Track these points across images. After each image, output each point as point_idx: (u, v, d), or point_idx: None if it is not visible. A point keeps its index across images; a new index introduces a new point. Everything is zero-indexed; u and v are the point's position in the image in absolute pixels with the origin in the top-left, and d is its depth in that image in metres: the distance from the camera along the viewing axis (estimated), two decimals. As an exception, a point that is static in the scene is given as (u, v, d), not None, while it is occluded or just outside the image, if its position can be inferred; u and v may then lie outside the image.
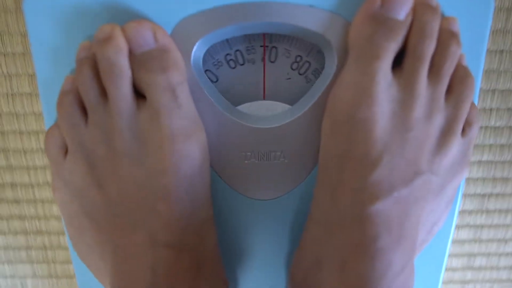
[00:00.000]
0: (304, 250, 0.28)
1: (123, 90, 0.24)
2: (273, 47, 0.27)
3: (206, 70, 0.27)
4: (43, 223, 0.38)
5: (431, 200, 0.27)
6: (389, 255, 0.25)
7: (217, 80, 0.28)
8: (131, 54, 0.24)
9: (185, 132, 0.24)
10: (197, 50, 0.26)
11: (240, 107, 0.28)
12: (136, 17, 0.25)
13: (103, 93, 0.25)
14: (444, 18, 0.25)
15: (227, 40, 0.27)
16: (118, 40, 0.23)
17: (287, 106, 0.28)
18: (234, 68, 0.28)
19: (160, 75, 0.24)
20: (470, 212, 0.40)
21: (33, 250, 0.40)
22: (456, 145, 0.26)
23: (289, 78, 0.28)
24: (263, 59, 0.28)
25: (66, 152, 0.26)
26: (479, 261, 0.41)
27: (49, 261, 0.40)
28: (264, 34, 0.27)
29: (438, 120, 0.26)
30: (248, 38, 0.27)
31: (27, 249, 0.40)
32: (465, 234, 0.40)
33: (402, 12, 0.24)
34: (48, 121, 0.28)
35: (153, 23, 0.24)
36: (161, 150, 0.24)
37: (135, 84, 0.25)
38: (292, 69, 0.28)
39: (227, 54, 0.27)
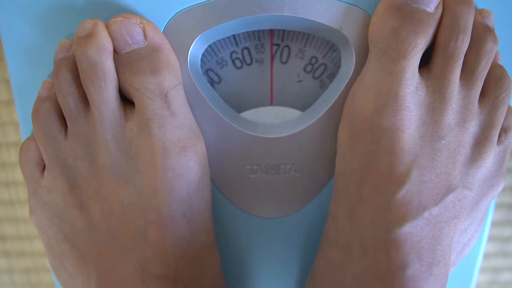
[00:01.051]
0: (318, 277, 0.25)
1: (107, 96, 0.21)
2: (286, 46, 0.25)
3: (207, 70, 0.25)
4: (26, 243, 0.36)
5: (464, 218, 0.24)
6: (420, 285, 0.22)
7: (220, 81, 0.25)
8: (117, 53, 0.21)
9: (180, 144, 0.21)
10: (195, 48, 0.23)
11: (244, 114, 0.25)
12: (124, 11, 0.22)
13: (85, 99, 0.22)
14: (477, 11, 0.23)
15: (233, 35, 0.24)
16: (101, 37, 0.21)
17: (298, 112, 0.25)
18: (240, 68, 0.25)
19: (150, 78, 0.21)
20: (497, 223, 0.37)
21: (16, 273, 0.37)
22: (492, 154, 0.24)
23: (300, 81, 0.25)
24: (271, 59, 0.25)
25: (43, 168, 0.23)
26: (505, 276, 0.39)
27: (34, 284, 0.38)
28: (272, 31, 0.24)
29: (472, 127, 0.23)
30: (258, 34, 0.24)
31: (10, 273, 0.37)
32: (491, 247, 0.38)
33: (432, 2, 0.21)
34: (24, 132, 0.25)
35: (143, 17, 0.22)
36: (152, 166, 0.21)
37: (122, 88, 0.22)
38: (305, 71, 0.25)
39: (233, 52, 0.25)
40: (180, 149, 0.21)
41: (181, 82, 0.22)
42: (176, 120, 0.21)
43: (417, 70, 0.22)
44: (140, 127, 0.21)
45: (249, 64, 0.25)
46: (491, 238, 0.38)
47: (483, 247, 0.29)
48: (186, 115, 0.22)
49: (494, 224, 0.37)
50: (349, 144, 0.23)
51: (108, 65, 0.21)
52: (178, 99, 0.22)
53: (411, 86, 0.21)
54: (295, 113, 0.25)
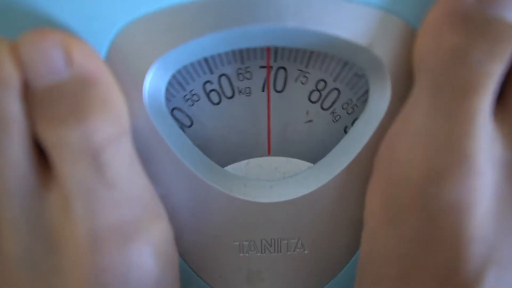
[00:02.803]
0: None
1: (12, 155, 0.15)
2: (280, 67, 0.19)
3: (173, 109, 0.19)
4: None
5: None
6: None
7: (191, 125, 0.20)
8: (28, 90, 0.15)
9: (124, 230, 0.15)
10: (155, 77, 0.17)
11: (230, 168, 0.20)
12: (43, 23, 0.16)
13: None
14: None
15: (205, 59, 0.19)
16: (3, 65, 0.14)
17: (306, 165, 0.20)
18: (218, 104, 0.19)
19: (72, 128, 0.14)
20: None
21: None
22: None
23: (310, 121, 0.20)
24: (267, 88, 0.19)
25: None
26: None
27: None
28: (268, 48, 0.19)
29: None
30: (241, 54, 0.19)
31: None
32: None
33: None
34: None
35: (68, 34, 0.15)
36: (78, 266, 0.15)
37: (38, 141, 0.15)
38: (311, 101, 0.20)
39: (207, 82, 0.19)
40: (123, 238, 0.15)
41: (125, 131, 0.15)
42: (115, 194, 0.15)
43: (491, 111, 0.16)
44: (62, 203, 0.14)
45: (230, 97, 0.19)
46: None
47: None
48: (132, 184, 0.15)
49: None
50: (384, 220, 0.17)
51: (13, 108, 0.14)
52: (119, 160, 0.15)
53: (485, 137, 0.15)
54: (303, 165, 0.20)
